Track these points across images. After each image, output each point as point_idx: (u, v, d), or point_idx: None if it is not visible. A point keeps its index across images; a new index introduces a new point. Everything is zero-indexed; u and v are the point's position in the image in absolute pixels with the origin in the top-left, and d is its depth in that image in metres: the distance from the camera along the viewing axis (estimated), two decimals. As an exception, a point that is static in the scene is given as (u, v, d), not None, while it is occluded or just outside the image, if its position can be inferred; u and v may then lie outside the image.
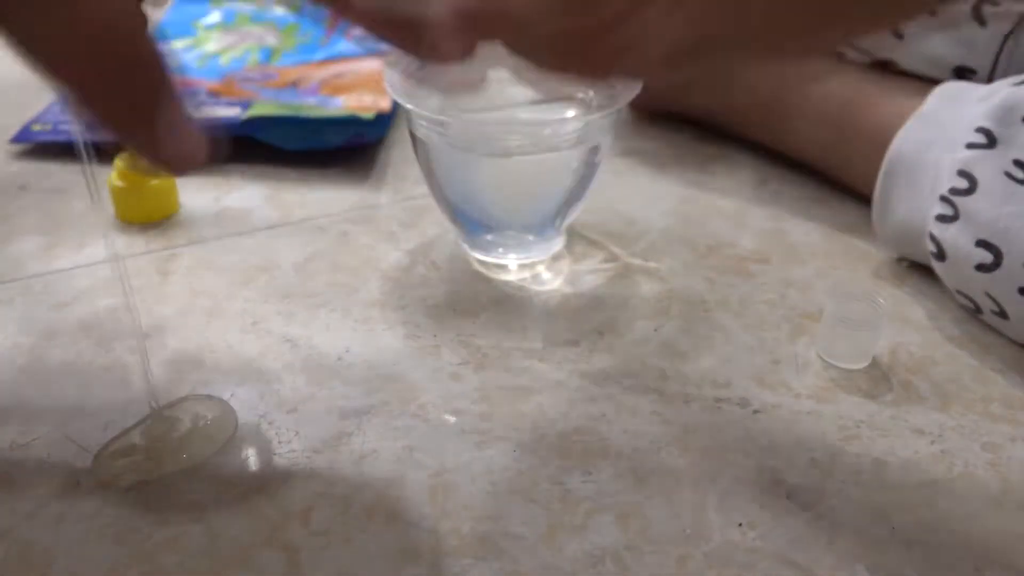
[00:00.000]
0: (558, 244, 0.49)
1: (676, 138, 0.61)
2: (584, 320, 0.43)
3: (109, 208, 0.51)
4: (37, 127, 0.59)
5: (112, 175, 0.50)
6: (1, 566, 0.31)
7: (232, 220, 0.51)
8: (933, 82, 0.47)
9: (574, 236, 0.50)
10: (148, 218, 0.51)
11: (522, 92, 0.50)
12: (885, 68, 0.50)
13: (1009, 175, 0.40)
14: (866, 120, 0.49)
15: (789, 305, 0.45)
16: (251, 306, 0.44)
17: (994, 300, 0.40)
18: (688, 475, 0.35)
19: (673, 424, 0.37)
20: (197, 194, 0.53)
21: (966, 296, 0.42)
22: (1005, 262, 0.39)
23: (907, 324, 0.43)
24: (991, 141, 0.41)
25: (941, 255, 0.42)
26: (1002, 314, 0.40)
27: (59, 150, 0.58)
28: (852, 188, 0.53)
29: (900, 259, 0.48)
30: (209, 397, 0.38)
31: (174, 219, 0.51)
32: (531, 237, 0.47)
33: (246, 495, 0.33)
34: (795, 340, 0.42)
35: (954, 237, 0.41)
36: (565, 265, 0.47)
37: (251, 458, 0.35)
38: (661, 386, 0.39)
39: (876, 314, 0.40)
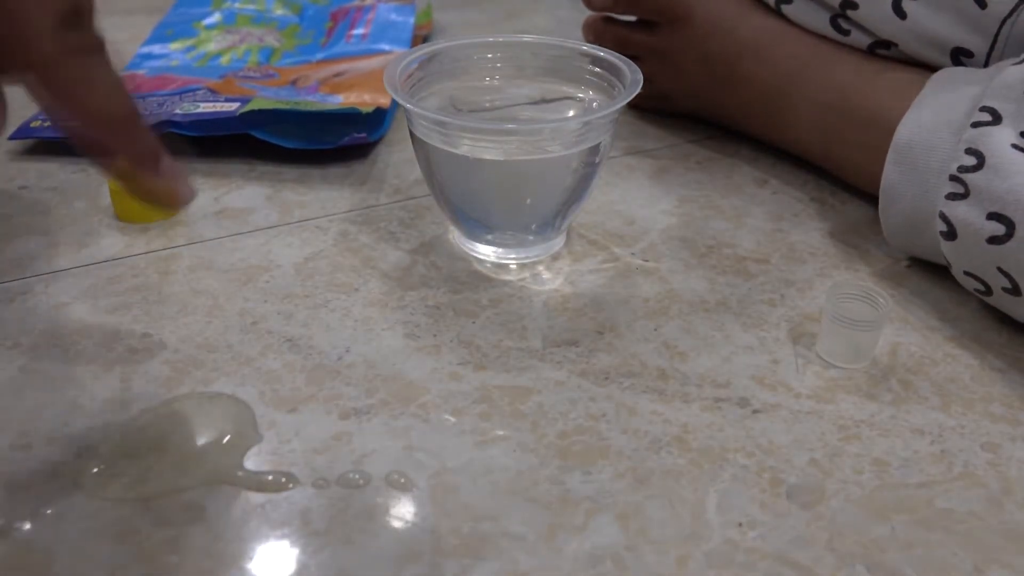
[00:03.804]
0: (558, 244, 0.49)
1: (676, 138, 0.61)
2: (584, 320, 0.43)
3: (109, 208, 0.51)
4: (36, 124, 0.58)
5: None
6: (1, 566, 0.31)
7: (232, 220, 0.51)
8: (930, 67, 0.47)
9: (574, 236, 0.50)
10: (148, 218, 0.51)
11: (522, 92, 0.50)
12: (887, 49, 0.50)
13: (1016, 147, 0.39)
14: (866, 105, 0.49)
15: (789, 305, 0.45)
16: (251, 306, 0.44)
17: (1006, 275, 0.40)
18: (688, 475, 0.35)
19: (673, 424, 0.37)
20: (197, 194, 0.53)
21: (975, 277, 0.42)
22: (1017, 232, 0.39)
23: (907, 324, 0.43)
24: (996, 118, 0.41)
25: (952, 234, 0.41)
26: (1014, 290, 0.40)
27: (59, 150, 0.58)
28: (851, 180, 0.53)
29: (900, 260, 0.48)
30: (225, 397, 0.38)
31: (174, 219, 0.51)
32: (531, 237, 0.47)
33: (246, 496, 0.34)
34: (795, 340, 0.42)
35: (965, 213, 0.41)
36: (565, 265, 0.47)
37: (251, 458, 0.35)
38: (661, 386, 0.39)
39: (876, 314, 0.40)
